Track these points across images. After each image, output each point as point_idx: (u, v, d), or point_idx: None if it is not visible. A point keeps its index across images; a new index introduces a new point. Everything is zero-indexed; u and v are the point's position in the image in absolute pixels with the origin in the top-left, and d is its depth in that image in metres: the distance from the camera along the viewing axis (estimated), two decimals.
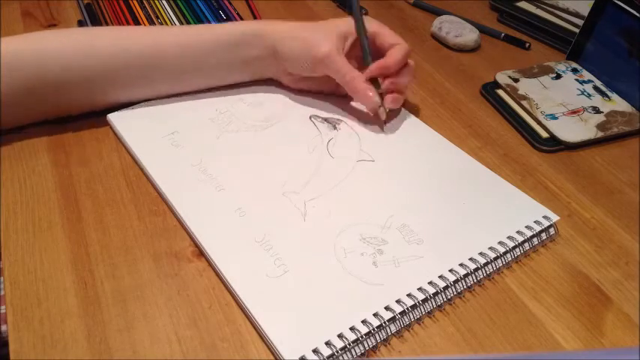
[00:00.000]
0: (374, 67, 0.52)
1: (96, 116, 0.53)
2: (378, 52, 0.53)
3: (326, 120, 0.55)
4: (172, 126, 0.53)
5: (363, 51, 0.53)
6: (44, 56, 0.47)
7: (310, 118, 0.55)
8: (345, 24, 0.53)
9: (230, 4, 0.73)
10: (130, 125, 0.52)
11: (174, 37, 0.52)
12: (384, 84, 0.52)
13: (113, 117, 0.53)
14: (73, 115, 0.52)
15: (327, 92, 0.57)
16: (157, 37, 0.51)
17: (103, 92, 0.51)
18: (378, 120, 0.54)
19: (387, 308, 0.39)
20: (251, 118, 0.55)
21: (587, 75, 0.63)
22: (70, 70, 0.48)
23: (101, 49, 0.49)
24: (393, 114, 0.55)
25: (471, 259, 0.43)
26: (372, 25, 0.54)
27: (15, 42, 0.48)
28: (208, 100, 0.56)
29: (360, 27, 0.53)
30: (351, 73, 0.51)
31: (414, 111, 0.57)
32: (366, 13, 0.74)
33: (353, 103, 0.57)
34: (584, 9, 0.65)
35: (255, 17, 0.72)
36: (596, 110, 0.58)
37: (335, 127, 0.54)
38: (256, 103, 0.56)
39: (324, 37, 0.51)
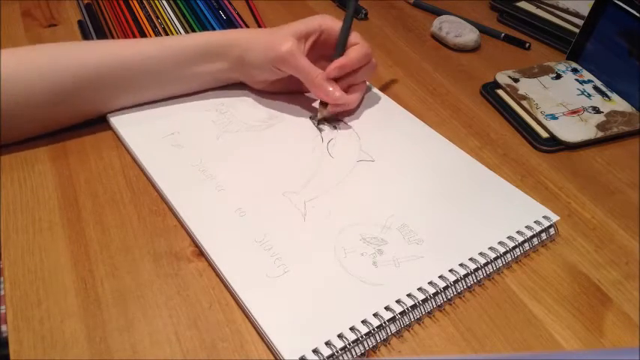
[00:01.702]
0: (332, 67, 0.52)
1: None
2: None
3: (326, 120, 0.55)
4: (172, 126, 0.53)
5: (339, 45, 0.53)
6: (28, 76, 0.47)
7: (310, 118, 0.55)
8: (303, 24, 0.53)
9: (230, 4, 0.73)
10: (130, 125, 0.52)
11: (135, 52, 0.51)
12: (341, 83, 0.53)
13: (113, 118, 0.53)
14: (58, 128, 0.52)
15: (296, 91, 0.57)
16: (119, 52, 0.50)
17: (76, 109, 0.51)
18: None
19: (387, 308, 0.39)
20: (251, 118, 0.55)
21: (587, 75, 0.63)
22: (43, 89, 0.48)
23: (66, 68, 0.48)
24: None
25: (471, 259, 0.43)
26: (337, 24, 0.54)
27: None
28: (208, 100, 0.56)
29: (348, 22, 0.53)
30: (312, 70, 0.52)
31: (414, 111, 0.57)
32: (366, 14, 0.74)
33: (359, 96, 0.57)
34: (584, 9, 0.65)
35: (255, 17, 0.72)
36: (596, 110, 0.58)
37: (335, 127, 0.54)
38: (256, 103, 0.56)
39: (282, 38, 0.51)
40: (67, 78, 0.48)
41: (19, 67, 0.47)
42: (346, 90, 0.54)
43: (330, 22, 0.54)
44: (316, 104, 0.56)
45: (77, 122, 0.52)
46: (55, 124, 0.51)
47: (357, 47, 0.53)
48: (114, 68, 0.50)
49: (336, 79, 0.53)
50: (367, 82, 0.60)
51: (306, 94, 0.58)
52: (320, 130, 0.54)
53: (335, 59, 0.52)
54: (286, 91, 0.57)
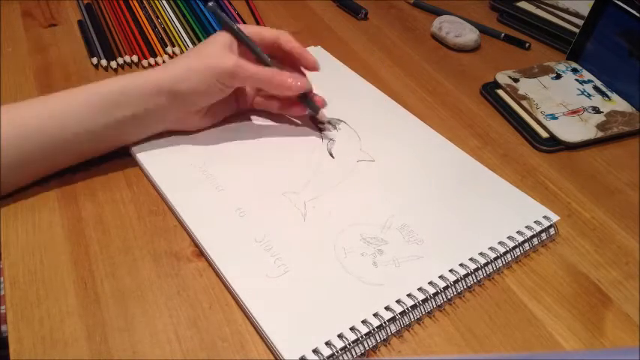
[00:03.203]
0: (303, 63, 0.52)
1: None
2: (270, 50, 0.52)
3: (326, 121, 0.55)
4: None
5: (256, 53, 0.51)
6: None
7: (310, 118, 0.55)
8: (222, 36, 0.50)
9: (230, 4, 0.73)
10: None
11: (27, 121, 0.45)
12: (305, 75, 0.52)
13: None
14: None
15: (232, 113, 0.54)
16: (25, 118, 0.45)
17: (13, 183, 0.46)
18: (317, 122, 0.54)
19: (387, 308, 0.39)
20: (252, 118, 0.55)
21: (587, 75, 0.63)
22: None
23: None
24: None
25: (471, 259, 0.43)
26: (252, 29, 0.52)
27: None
28: None
29: (238, 34, 0.50)
30: (266, 71, 0.49)
31: (414, 111, 0.57)
32: (366, 14, 0.74)
33: (353, 104, 0.57)
34: (584, 9, 0.65)
35: (255, 17, 0.72)
36: (596, 110, 0.58)
37: (335, 127, 0.54)
38: (257, 103, 0.56)
39: (218, 53, 0.48)
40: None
41: None
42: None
43: (248, 29, 0.51)
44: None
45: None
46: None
47: (283, 37, 0.52)
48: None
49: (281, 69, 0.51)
50: (368, 82, 0.60)
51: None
52: (320, 130, 0.54)
53: (261, 59, 0.51)
54: (224, 118, 0.54)
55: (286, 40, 0.52)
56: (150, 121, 0.49)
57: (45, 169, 0.47)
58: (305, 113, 0.54)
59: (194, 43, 0.65)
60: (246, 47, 0.51)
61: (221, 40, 0.49)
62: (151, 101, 0.47)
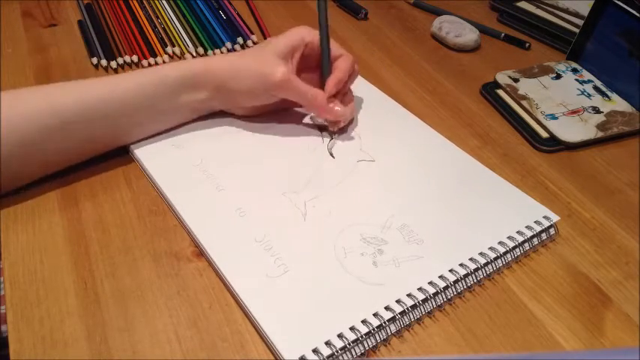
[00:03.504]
0: (331, 85, 0.51)
1: None
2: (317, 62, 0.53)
3: (326, 120, 0.55)
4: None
5: (323, 63, 0.52)
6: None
7: (311, 118, 0.55)
8: (287, 41, 0.50)
9: (230, 4, 0.73)
10: None
11: (112, 90, 0.47)
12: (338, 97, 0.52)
13: None
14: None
15: (278, 109, 0.55)
16: (94, 91, 0.46)
17: (47, 158, 0.47)
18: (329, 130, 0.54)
19: (387, 308, 0.39)
20: (252, 118, 0.55)
21: (587, 75, 0.63)
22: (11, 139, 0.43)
23: (36, 115, 0.44)
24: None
25: (471, 259, 0.43)
26: (316, 36, 0.52)
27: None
28: None
29: (324, 38, 0.51)
30: (311, 92, 0.50)
31: (415, 111, 0.57)
32: (366, 14, 0.74)
33: (354, 104, 0.57)
34: (584, 9, 0.65)
35: (255, 17, 0.72)
36: (596, 110, 0.58)
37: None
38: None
39: (272, 63, 0.49)
40: (41, 125, 0.44)
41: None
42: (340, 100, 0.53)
43: (312, 35, 0.52)
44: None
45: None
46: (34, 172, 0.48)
47: (344, 58, 0.52)
48: (92, 110, 0.46)
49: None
50: (368, 82, 0.60)
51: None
52: (321, 129, 0.54)
53: (326, 76, 0.51)
54: (272, 112, 0.55)
55: (343, 61, 0.52)
56: (201, 106, 0.52)
57: (105, 144, 0.49)
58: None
59: (194, 43, 0.65)
60: (321, 51, 0.51)
61: (284, 44, 0.50)
62: (204, 90, 0.50)
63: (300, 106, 0.56)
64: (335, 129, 0.53)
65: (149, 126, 0.51)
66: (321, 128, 0.54)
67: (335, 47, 0.53)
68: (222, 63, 0.50)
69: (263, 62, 0.49)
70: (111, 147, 0.50)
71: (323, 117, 0.53)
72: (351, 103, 0.54)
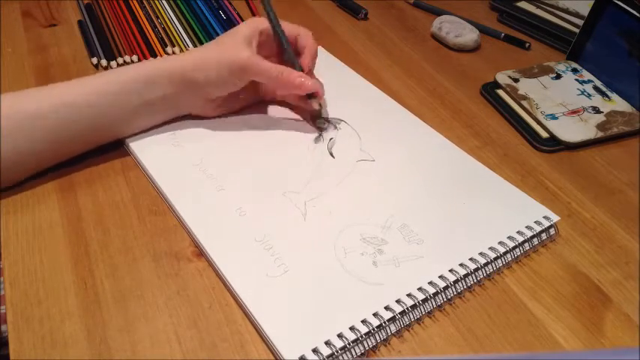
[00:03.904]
0: (309, 60, 0.52)
1: None
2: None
3: (326, 120, 0.55)
4: (173, 125, 0.53)
5: (281, 39, 0.52)
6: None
7: (311, 118, 0.55)
8: (242, 29, 0.51)
9: (230, 4, 0.73)
10: None
11: (78, 95, 0.47)
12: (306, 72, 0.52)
13: None
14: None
15: (251, 103, 0.55)
16: (43, 100, 0.46)
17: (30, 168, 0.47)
18: (312, 116, 0.54)
19: (387, 308, 0.39)
20: (252, 117, 0.55)
21: (587, 75, 0.63)
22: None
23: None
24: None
25: (471, 259, 0.43)
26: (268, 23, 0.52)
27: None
28: None
29: (273, 18, 0.52)
30: (277, 68, 0.50)
31: (414, 111, 0.57)
32: (366, 14, 0.74)
33: (354, 103, 0.57)
34: (584, 9, 0.65)
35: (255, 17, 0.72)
36: (596, 110, 0.58)
37: (335, 127, 0.54)
38: (259, 103, 0.56)
39: (234, 46, 0.49)
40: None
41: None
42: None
43: (265, 23, 0.52)
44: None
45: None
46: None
47: (305, 34, 0.53)
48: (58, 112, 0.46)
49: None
50: (368, 82, 0.60)
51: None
52: (320, 129, 0.54)
53: (290, 56, 0.52)
54: (243, 107, 0.55)
55: (305, 36, 0.53)
56: (164, 106, 0.51)
57: (75, 148, 0.49)
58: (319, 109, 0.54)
59: (194, 43, 0.65)
60: (275, 35, 0.52)
61: (243, 32, 0.50)
62: (168, 87, 0.49)
63: (276, 102, 0.56)
64: (317, 106, 0.53)
65: (120, 128, 0.50)
66: (321, 128, 0.54)
67: (290, 27, 0.53)
68: (184, 57, 0.50)
69: (226, 49, 0.50)
70: (81, 150, 0.49)
71: (295, 92, 0.52)
72: (314, 77, 0.54)
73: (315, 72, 0.55)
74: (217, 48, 0.50)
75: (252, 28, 0.51)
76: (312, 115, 0.55)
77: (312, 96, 0.52)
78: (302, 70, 0.52)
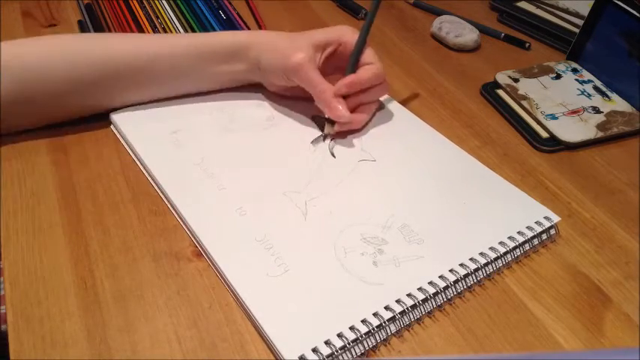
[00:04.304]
0: (343, 84, 0.51)
1: (95, 117, 0.53)
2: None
3: (328, 120, 0.55)
4: (174, 125, 0.53)
5: (350, 62, 0.52)
6: (44, 64, 0.48)
7: (312, 117, 0.55)
8: (322, 34, 0.52)
9: (230, 4, 0.73)
10: (132, 124, 0.52)
11: (164, 47, 0.51)
12: (349, 101, 0.52)
13: (116, 116, 0.53)
14: (68, 120, 0.52)
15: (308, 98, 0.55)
16: (148, 45, 0.51)
17: (96, 98, 0.51)
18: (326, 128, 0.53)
19: (387, 308, 0.39)
20: (253, 117, 0.55)
21: (587, 75, 0.63)
22: (65, 78, 0.48)
23: (92, 58, 0.49)
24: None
25: (471, 259, 0.43)
26: (354, 38, 0.52)
27: (18, 47, 0.48)
28: (211, 99, 0.56)
29: (362, 38, 0.52)
30: (321, 85, 0.50)
31: (415, 111, 0.57)
32: (365, 15, 0.73)
33: (367, 117, 0.56)
34: (584, 9, 0.65)
35: (255, 17, 0.72)
36: (596, 110, 0.58)
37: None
38: (258, 102, 0.56)
39: (298, 47, 0.50)
40: (96, 68, 0.49)
41: (42, 54, 0.48)
42: (355, 108, 0.53)
43: (350, 35, 0.52)
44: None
45: (83, 115, 0.52)
46: (63, 115, 0.51)
47: (370, 66, 0.52)
48: (142, 61, 0.50)
49: (345, 97, 0.51)
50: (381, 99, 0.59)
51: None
52: (322, 129, 0.54)
53: (346, 75, 0.51)
54: (300, 97, 0.55)
55: (369, 69, 0.52)
56: (246, 76, 0.55)
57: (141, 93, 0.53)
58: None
59: None
60: (353, 50, 0.52)
61: (317, 37, 0.52)
62: (245, 62, 0.53)
63: (277, 100, 0.57)
64: (331, 131, 0.52)
65: (188, 85, 0.54)
66: (322, 127, 0.54)
67: (370, 55, 0.52)
68: (263, 38, 0.53)
69: (291, 45, 0.51)
70: (149, 97, 0.54)
71: (326, 113, 0.52)
72: (362, 114, 0.53)
73: None
74: (287, 40, 0.52)
75: (332, 35, 0.52)
76: (327, 119, 0.53)
77: (332, 122, 0.52)
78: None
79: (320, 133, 0.53)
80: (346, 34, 0.52)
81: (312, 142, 0.52)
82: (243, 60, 0.53)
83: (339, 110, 0.51)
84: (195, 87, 0.55)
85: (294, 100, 0.56)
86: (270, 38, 0.53)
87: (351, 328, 0.38)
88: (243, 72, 0.54)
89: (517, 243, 0.44)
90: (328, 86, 0.51)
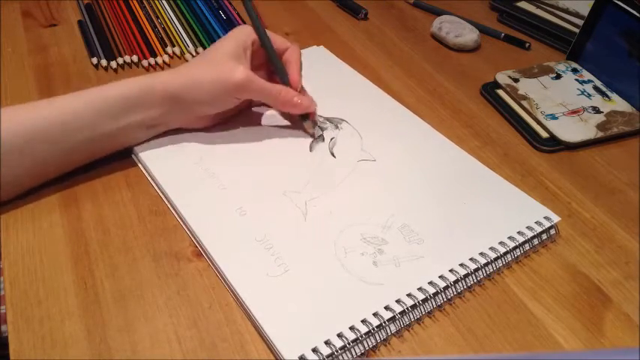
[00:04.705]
0: (298, 80, 0.51)
1: None
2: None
3: (328, 120, 0.55)
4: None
5: (278, 69, 0.52)
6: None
7: (304, 123, 0.55)
8: (232, 43, 0.49)
9: (230, 4, 0.73)
10: None
11: (48, 119, 0.44)
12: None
13: None
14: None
15: (235, 113, 0.54)
16: (33, 117, 0.44)
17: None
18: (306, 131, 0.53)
19: (387, 308, 0.39)
20: (253, 116, 0.55)
21: (587, 75, 0.63)
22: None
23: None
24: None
25: (471, 259, 0.43)
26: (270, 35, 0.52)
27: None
28: None
29: (266, 44, 0.51)
30: (274, 89, 0.50)
31: (415, 111, 0.57)
32: (366, 14, 0.74)
33: (355, 103, 0.57)
34: (584, 9, 0.65)
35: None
36: (596, 110, 0.58)
37: (337, 127, 0.54)
38: (259, 102, 0.56)
39: (228, 65, 0.47)
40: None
41: None
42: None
43: (253, 34, 0.51)
44: (318, 104, 0.56)
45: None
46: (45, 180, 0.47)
47: (293, 50, 0.52)
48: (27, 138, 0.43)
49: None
50: (369, 82, 0.60)
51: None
52: (321, 129, 0.54)
53: (279, 70, 0.51)
54: (228, 116, 0.53)
55: (292, 53, 0.52)
56: (154, 124, 0.49)
57: (51, 171, 0.47)
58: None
59: (194, 43, 0.65)
60: (266, 52, 0.51)
61: (231, 47, 0.49)
62: (156, 107, 0.48)
63: (262, 105, 0.55)
64: (311, 128, 0.53)
65: (96, 149, 0.48)
66: (322, 128, 0.54)
67: (279, 40, 0.52)
68: (174, 76, 0.48)
69: (218, 67, 0.48)
70: (64, 170, 0.47)
71: (290, 111, 0.52)
72: (307, 93, 0.54)
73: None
74: (209, 66, 0.48)
75: (241, 39, 0.50)
76: (301, 116, 0.53)
77: (305, 117, 0.52)
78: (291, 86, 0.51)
79: (320, 133, 0.53)
80: (250, 32, 0.51)
81: (310, 149, 0.52)
82: (152, 106, 0.47)
83: (306, 100, 0.51)
84: (104, 147, 0.48)
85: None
86: (181, 74, 0.48)
87: (351, 328, 0.38)
88: (155, 118, 0.48)
89: (517, 243, 0.44)
90: (281, 86, 0.50)
